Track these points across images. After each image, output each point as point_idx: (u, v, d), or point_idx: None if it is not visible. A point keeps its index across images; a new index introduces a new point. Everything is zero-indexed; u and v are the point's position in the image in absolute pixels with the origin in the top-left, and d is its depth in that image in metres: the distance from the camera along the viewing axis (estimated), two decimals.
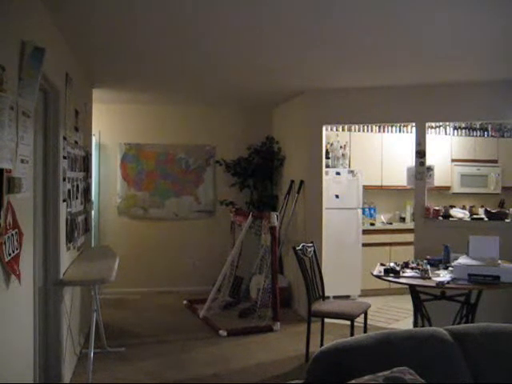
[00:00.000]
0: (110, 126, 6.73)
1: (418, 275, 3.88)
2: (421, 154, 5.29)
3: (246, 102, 6.71)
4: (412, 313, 4.47)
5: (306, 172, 5.87)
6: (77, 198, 4.26)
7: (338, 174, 6.40)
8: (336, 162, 6.68)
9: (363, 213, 6.71)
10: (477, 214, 5.73)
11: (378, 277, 3.99)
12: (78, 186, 4.30)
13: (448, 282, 3.67)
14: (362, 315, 4.33)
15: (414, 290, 4.14)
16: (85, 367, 3.85)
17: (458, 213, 5.38)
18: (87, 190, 5.03)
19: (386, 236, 6.76)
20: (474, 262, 3.81)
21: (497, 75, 4.76)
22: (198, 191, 7.07)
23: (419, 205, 5.30)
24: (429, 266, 3.98)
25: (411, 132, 6.70)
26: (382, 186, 7.02)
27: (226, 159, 6.99)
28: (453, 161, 7.11)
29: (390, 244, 6.67)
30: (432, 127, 6.94)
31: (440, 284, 3.66)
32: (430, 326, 4.05)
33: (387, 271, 3.97)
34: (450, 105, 5.19)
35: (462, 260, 3.91)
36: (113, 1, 2.96)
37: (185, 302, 6.17)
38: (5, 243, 2.16)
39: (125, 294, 6.39)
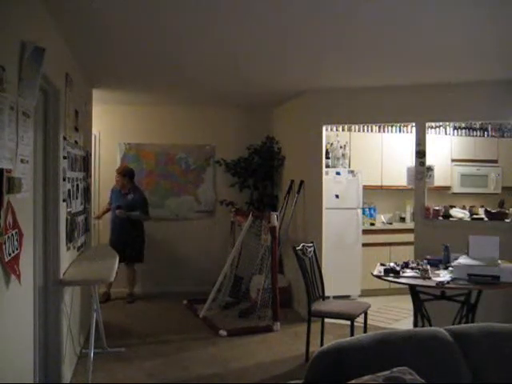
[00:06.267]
0: (110, 126, 6.73)
1: (418, 275, 3.88)
2: (421, 154, 5.29)
3: (246, 102, 6.71)
4: (412, 313, 4.47)
5: (306, 172, 5.87)
6: (77, 198, 4.26)
7: (338, 173, 6.40)
8: (336, 162, 6.68)
9: (363, 213, 6.71)
10: (477, 214, 5.74)
11: (378, 277, 3.99)
12: (78, 186, 4.30)
13: (448, 282, 3.67)
14: (362, 315, 4.33)
15: (413, 290, 4.14)
16: (85, 367, 3.85)
17: (458, 213, 5.39)
18: (87, 190, 5.03)
19: (386, 236, 6.76)
20: (474, 262, 3.80)
21: (497, 75, 4.76)
22: (198, 191, 7.08)
23: (419, 205, 5.30)
24: (429, 266, 3.98)
25: (411, 132, 6.70)
26: (382, 186, 7.02)
27: (226, 159, 7.00)
28: (453, 161, 7.11)
29: (390, 244, 6.67)
30: (432, 127, 6.93)
31: (440, 284, 3.66)
32: (430, 326, 4.05)
33: (387, 271, 3.97)
34: (450, 105, 5.18)
35: (462, 260, 3.91)
36: (113, 1, 2.96)
37: (185, 302, 6.17)
38: (5, 243, 2.16)
39: (125, 293, 6.38)
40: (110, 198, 6.42)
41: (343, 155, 6.75)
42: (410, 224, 6.62)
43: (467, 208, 6.07)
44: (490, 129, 7.23)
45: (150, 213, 6.40)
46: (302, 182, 5.95)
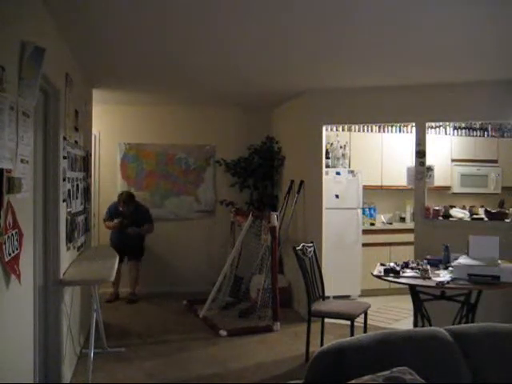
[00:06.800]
0: (110, 126, 6.73)
1: (418, 275, 3.88)
2: (421, 154, 5.29)
3: (246, 102, 6.71)
4: (412, 313, 4.47)
5: (306, 172, 5.87)
6: (77, 198, 4.26)
7: (338, 173, 6.40)
8: (336, 162, 6.68)
9: (363, 213, 6.71)
10: (477, 214, 5.73)
11: (378, 277, 3.98)
12: (78, 186, 4.30)
13: (448, 282, 3.67)
14: (362, 315, 4.33)
15: (413, 290, 4.14)
16: (85, 367, 3.85)
17: (458, 213, 5.38)
18: (87, 190, 5.03)
19: (386, 236, 6.76)
20: (474, 262, 3.80)
21: (497, 75, 4.76)
22: (198, 191, 7.08)
23: (419, 205, 5.30)
24: (429, 266, 3.98)
25: (411, 132, 6.70)
26: (382, 186, 7.02)
27: (226, 159, 7.00)
28: (453, 161, 7.12)
29: (390, 244, 6.67)
30: (432, 127, 6.93)
31: (440, 284, 3.65)
32: (430, 326, 4.05)
33: (387, 271, 3.97)
34: (450, 105, 5.18)
35: (462, 260, 3.90)
36: (113, 2, 2.96)
37: (185, 302, 6.16)
38: (5, 243, 2.16)
39: (125, 293, 6.38)
40: (110, 211, 6.35)
41: (343, 155, 6.75)
42: (410, 224, 6.62)
43: (467, 208, 6.07)
44: (490, 129, 7.23)
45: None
46: (301, 182, 5.94)
